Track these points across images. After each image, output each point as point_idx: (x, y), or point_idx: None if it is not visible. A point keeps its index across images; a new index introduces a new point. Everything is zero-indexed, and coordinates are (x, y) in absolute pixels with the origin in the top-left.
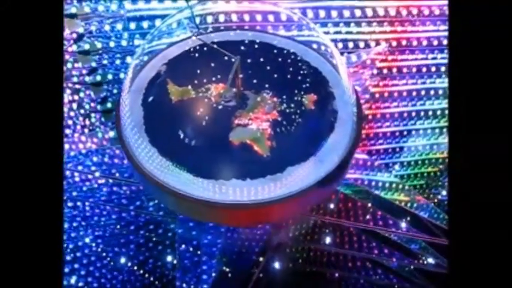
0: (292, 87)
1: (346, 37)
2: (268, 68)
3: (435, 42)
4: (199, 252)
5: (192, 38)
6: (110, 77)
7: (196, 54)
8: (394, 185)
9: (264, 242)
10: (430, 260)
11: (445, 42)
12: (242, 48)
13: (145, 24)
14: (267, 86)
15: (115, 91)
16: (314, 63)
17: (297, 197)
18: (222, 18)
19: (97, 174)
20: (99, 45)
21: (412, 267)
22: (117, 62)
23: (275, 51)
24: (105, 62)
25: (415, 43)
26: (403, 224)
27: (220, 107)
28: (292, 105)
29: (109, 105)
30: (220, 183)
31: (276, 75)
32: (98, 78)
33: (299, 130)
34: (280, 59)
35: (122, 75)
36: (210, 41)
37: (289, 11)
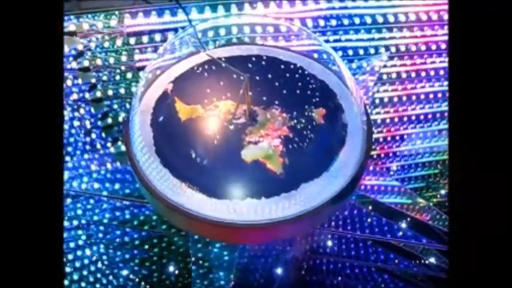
0: (301, 102)
1: (348, 44)
2: (275, 83)
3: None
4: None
5: (198, 54)
6: (110, 92)
7: (202, 71)
8: (395, 189)
9: (275, 256)
10: (432, 260)
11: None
12: (249, 64)
13: (144, 38)
14: (275, 101)
15: (115, 106)
16: (320, 76)
17: (312, 214)
18: (223, 32)
19: (104, 193)
20: (98, 61)
21: (415, 269)
22: (117, 77)
23: (282, 65)
24: (104, 78)
25: (414, 48)
26: (403, 225)
27: (229, 124)
28: (302, 120)
29: (109, 120)
30: (235, 203)
31: (283, 91)
32: (98, 94)
33: (310, 146)
34: (286, 74)
35: (122, 91)
36: (216, 57)
37: (288, 23)
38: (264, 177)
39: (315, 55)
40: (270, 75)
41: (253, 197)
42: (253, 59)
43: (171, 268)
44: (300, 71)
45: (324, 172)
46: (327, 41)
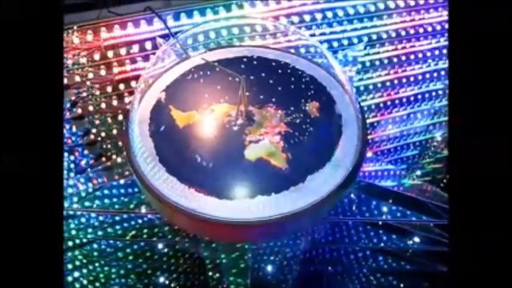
0: (294, 98)
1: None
2: (267, 81)
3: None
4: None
5: (186, 61)
6: (90, 108)
7: (193, 77)
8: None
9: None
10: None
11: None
12: (240, 65)
13: (122, 51)
14: (269, 100)
15: (97, 122)
16: (309, 70)
17: (321, 205)
18: (212, 35)
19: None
20: (77, 77)
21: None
22: (97, 92)
23: (271, 64)
24: (84, 94)
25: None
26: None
27: (228, 126)
28: (298, 115)
29: (92, 137)
30: (246, 202)
31: (276, 88)
32: (79, 111)
33: (310, 138)
34: (277, 71)
35: (103, 105)
36: (209, 61)
37: (271, 22)
38: (271, 173)
39: (302, 50)
40: (260, 75)
41: (263, 194)
42: (244, 60)
43: (162, 279)
44: (288, 68)
45: (327, 162)
46: (312, 35)
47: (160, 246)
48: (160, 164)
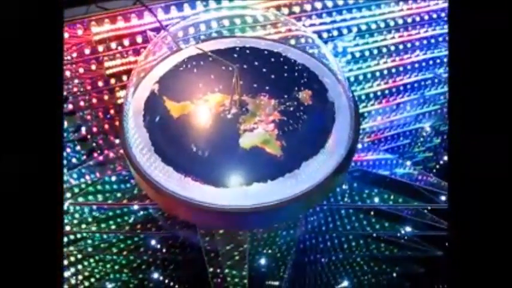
0: (286, 87)
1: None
2: (260, 70)
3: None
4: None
5: (178, 52)
6: (81, 103)
7: (186, 68)
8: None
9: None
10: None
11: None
12: (233, 55)
13: (113, 45)
14: (262, 88)
15: (88, 117)
16: (300, 60)
17: (317, 190)
18: (203, 27)
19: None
20: (67, 73)
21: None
22: (88, 87)
23: (263, 54)
24: (74, 89)
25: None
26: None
27: (222, 116)
28: (291, 103)
29: (83, 132)
30: (243, 189)
31: (268, 77)
32: (70, 106)
33: (303, 126)
34: (269, 61)
35: (94, 100)
36: (204, 51)
37: (264, 11)
38: (266, 161)
39: (293, 41)
40: (253, 64)
41: (260, 181)
42: (237, 49)
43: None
44: (280, 58)
45: (321, 149)
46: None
47: (153, 242)
48: (156, 155)
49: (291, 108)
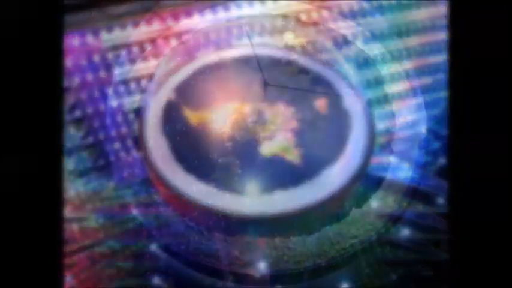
0: (303, 95)
1: None
2: (275, 79)
3: None
4: None
5: (196, 60)
6: (89, 111)
7: (204, 76)
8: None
9: None
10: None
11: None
12: (251, 63)
13: (122, 51)
14: (279, 97)
15: (96, 125)
16: (313, 67)
17: (338, 197)
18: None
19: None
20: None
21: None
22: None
23: (280, 61)
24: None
25: None
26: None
27: (242, 123)
28: (308, 112)
29: (91, 139)
30: (265, 197)
31: (285, 85)
32: (78, 113)
33: (321, 134)
34: (283, 69)
35: (101, 107)
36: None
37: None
38: (286, 168)
39: (309, 47)
40: (269, 72)
41: (281, 188)
42: (252, 57)
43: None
44: (293, 65)
45: (341, 156)
46: None
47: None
48: (177, 163)
49: (309, 117)
